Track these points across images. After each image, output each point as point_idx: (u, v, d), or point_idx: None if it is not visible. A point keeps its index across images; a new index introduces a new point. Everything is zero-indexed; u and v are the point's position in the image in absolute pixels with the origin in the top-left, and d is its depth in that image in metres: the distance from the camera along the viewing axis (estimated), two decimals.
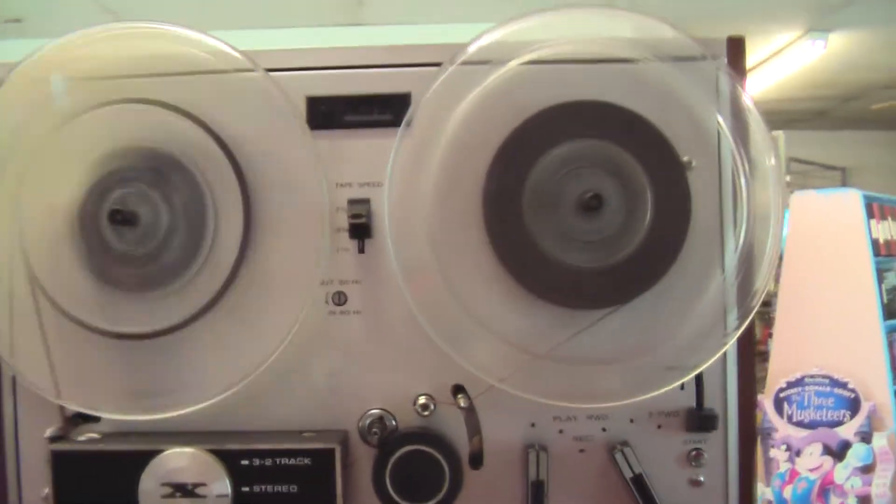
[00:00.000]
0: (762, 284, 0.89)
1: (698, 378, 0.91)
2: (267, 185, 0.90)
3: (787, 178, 5.65)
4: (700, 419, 0.91)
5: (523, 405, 0.89)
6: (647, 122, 0.88)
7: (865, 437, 2.93)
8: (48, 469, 0.88)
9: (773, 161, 0.88)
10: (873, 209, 3.08)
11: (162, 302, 0.90)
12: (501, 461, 0.92)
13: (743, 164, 0.89)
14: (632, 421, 0.92)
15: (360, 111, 0.91)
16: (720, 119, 0.89)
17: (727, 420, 0.93)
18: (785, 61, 4.39)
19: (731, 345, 0.90)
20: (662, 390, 0.88)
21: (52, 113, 0.89)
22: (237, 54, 0.88)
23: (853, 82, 5.21)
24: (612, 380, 0.89)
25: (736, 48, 0.92)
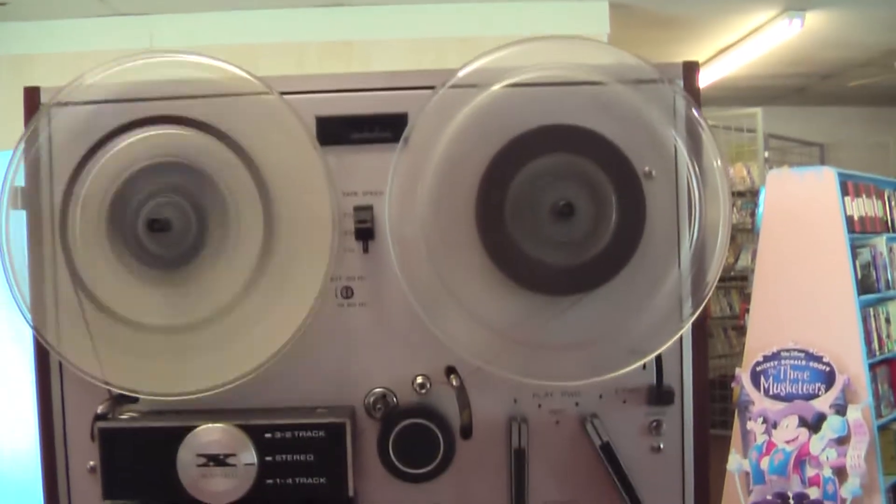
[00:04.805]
0: (713, 277, 1.02)
1: (658, 359, 1.04)
2: (283, 195, 1.02)
3: (766, 155, 5.77)
4: (659, 394, 1.05)
5: (506, 384, 1.03)
6: (609, 141, 1.01)
7: (840, 410, 3.06)
8: (98, 444, 1.01)
9: (719, 167, 1.02)
10: (848, 187, 3.18)
11: (190, 298, 1.03)
12: (488, 432, 1.05)
13: (696, 174, 1.02)
14: (601, 396, 1.06)
15: (363, 129, 1.04)
16: (676, 136, 1.02)
17: (683, 395, 1.06)
18: (763, 39, 4.49)
19: (686, 330, 1.04)
20: (626, 370, 1.02)
21: (88, 135, 1.02)
22: (254, 79, 1.01)
23: (831, 60, 5.32)
24: (583, 362, 1.02)
25: (690, 71, 1.06)
